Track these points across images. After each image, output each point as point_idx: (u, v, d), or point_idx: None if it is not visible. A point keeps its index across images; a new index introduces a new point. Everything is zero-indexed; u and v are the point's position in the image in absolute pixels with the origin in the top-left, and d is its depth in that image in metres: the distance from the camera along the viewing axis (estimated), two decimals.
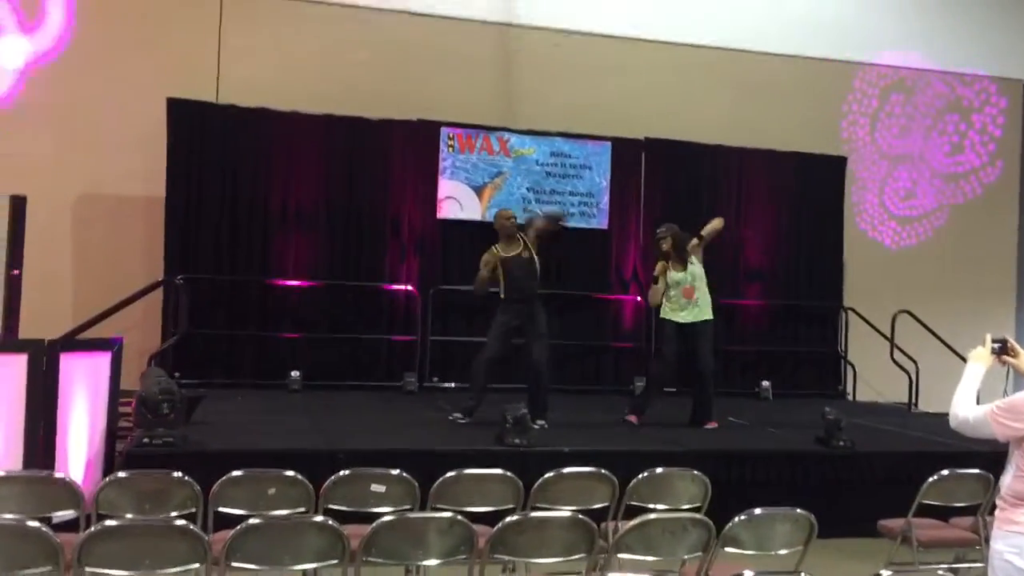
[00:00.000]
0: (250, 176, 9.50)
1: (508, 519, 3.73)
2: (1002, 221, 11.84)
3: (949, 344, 10.15)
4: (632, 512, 4.71)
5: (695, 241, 7.57)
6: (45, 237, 8.34)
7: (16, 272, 6.58)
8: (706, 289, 7.57)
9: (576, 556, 3.82)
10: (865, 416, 8.53)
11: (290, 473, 4.37)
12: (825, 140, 11.03)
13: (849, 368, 10.81)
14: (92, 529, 3.32)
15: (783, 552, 4.02)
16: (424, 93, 9.91)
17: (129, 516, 4.07)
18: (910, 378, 10.22)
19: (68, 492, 4.12)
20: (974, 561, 5.18)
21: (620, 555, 3.80)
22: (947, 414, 10.14)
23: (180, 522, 3.43)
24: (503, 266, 7.23)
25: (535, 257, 7.30)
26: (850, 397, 10.66)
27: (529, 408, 7.03)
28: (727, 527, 3.87)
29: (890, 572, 3.94)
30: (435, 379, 9.66)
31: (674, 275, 7.51)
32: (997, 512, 3.31)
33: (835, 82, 11.23)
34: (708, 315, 7.56)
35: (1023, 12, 11.76)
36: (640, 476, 4.72)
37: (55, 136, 9.25)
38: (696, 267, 7.53)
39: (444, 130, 9.88)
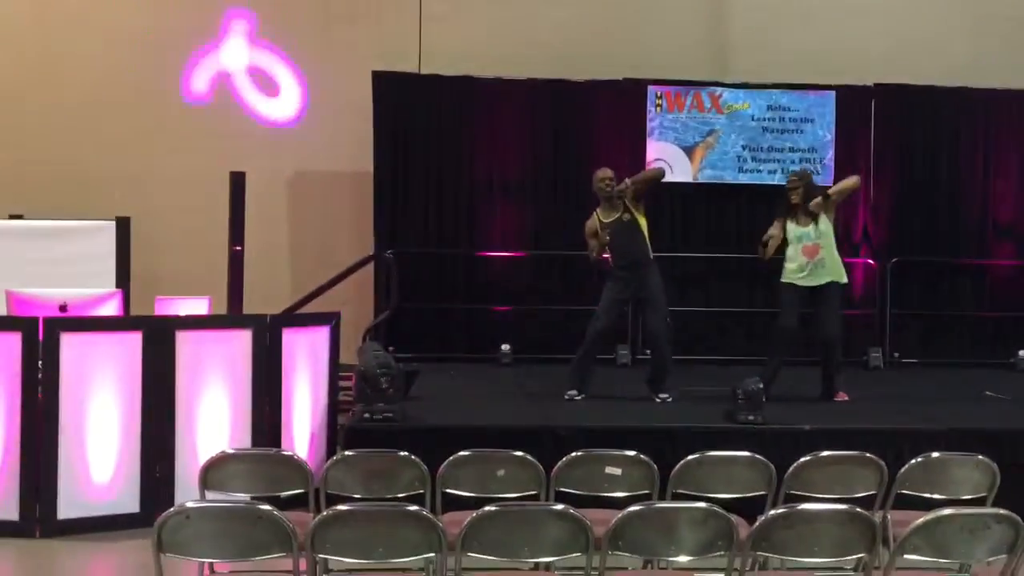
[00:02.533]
0: (454, 147, 9.39)
1: (772, 511, 3.26)
2: None
3: None
4: (902, 502, 4.14)
5: (819, 199, 6.64)
6: (263, 214, 8.52)
7: (238, 248, 6.68)
8: (835, 249, 6.66)
9: (851, 556, 3.31)
10: None
11: (519, 454, 4.08)
12: None
13: None
14: (324, 514, 3.14)
15: None
16: (629, 50, 9.43)
17: (357, 497, 3.93)
18: None
19: (296, 470, 4.01)
20: None
21: (906, 556, 3.25)
22: None
23: (413, 507, 3.20)
24: (605, 233, 6.63)
25: (638, 219, 6.63)
26: None
27: (649, 381, 6.69)
28: None
29: None
30: (648, 351, 9.20)
31: (797, 229, 6.62)
32: None
33: None
34: (836, 277, 6.66)
35: None
36: (913, 461, 4.10)
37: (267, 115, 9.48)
38: (825, 224, 6.62)
39: (651, 88, 9.35)
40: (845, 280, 6.86)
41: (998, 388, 7.58)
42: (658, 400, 6.63)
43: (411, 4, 9.50)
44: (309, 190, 9.58)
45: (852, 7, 9.59)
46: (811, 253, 6.65)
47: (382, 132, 9.19)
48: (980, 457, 4.15)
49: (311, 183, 9.58)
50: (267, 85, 9.59)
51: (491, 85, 9.28)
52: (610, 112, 9.45)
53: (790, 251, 6.74)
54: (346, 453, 4.16)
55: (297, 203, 9.61)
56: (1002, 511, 3.27)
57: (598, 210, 6.83)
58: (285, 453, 4.31)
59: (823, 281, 6.67)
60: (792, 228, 6.71)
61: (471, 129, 9.40)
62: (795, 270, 6.71)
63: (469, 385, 7.60)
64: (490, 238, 9.38)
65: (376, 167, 9.21)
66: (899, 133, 9.52)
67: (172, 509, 3.06)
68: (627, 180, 6.73)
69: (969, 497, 4.14)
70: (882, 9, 9.62)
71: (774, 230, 6.80)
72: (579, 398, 6.68)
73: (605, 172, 6.84)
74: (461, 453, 4.02)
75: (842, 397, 6.80)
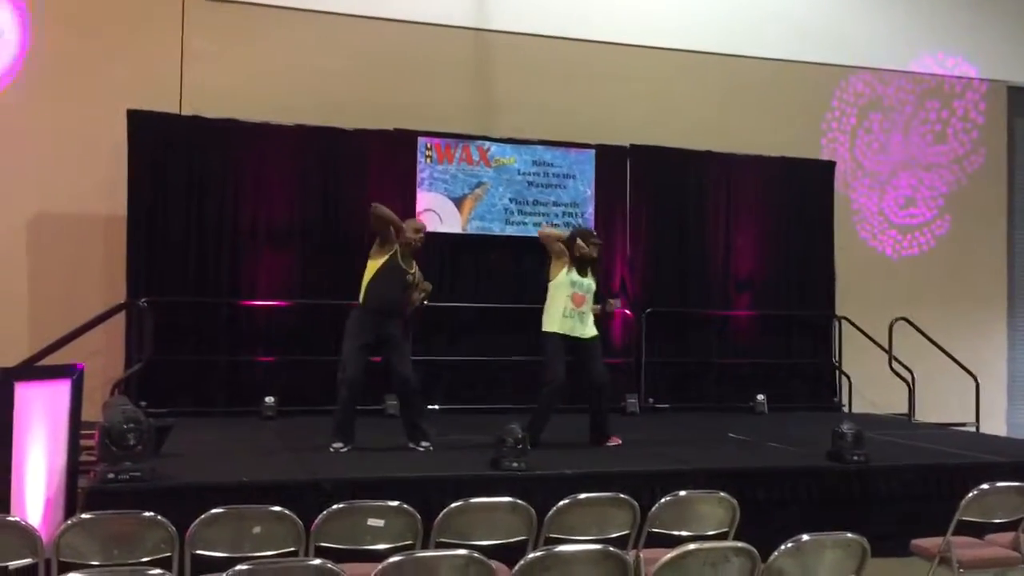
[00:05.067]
0: (218, 191, 9.03)
1: (531, 555, 3.29)
2: (990, 221, 11.59)
3: (948, 351, 9.92)
4: (654, 539, 4.33)
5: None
6: None
7: None
8: (594, 306, 7.06)
9: None
10: (868, 428, 8.18)
11: (276, 509, 3.91)
12: (814, 144, 10.77)
13: (844, 379, 10.48)
14: None
15: None
16: (400, 102, 9.52)
17: (95, 564, 3.61)
18: (909, 388, 9.93)
19: (24, 537, 3.65)
20: None
21: None
22: (950, 424, 9.74)
23: (155, 571, 2.98)
24: (387, 264, 6.56)
25: (413, 285, 6.72)
26: (846, 409, 10.34)
27: (407, 431, 6.64)
28: (772, 557, 3.47)
29: None
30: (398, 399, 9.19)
31: (576, 277, 6.94)
32: None
33: (823, 84, 10.98)
34: (595, 331, 7.06)
35: (1006, 15, 11.60)
36: (662, 501, 4.31)
37: (8, 152, 8.71)
38: (592, 281, 7.07)
39: (421, 140, 9.47)
40: (598, 332, 7.13)
41: (740, 430, 8.16)
42: (420, 449, 6.57)
43: (172, 41, 9.15)
44: (53, 234, 8.84)
45: (609, 72, 10.19)
46: (579, 303, 6.92)
47: (137, 174, 8.68)
48: (722, 494, 4.42)
49: (56, 226, 8.86)
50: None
51: (257, 129, 9.04)
52: (380, 161, 9.45)
53: (558, 296, 6.91)
54: (83, 516, 3.81)
55: (39, 247, 8.85)
56: (740, 544, 3.48)
57: (399, 255, 6.62)
58: (10, 519, 3.89)
59: (587, 334, 6.96)
60: (572, 274, 6.93)
61: (236, 173, 9.08)
62: (559, 317, 6.89)
63: (229, 440, 7.22)
64: (254, 286, 9.04)
65: (130, 210, 8.67)
66: (652, 191, 10.16)
67: None
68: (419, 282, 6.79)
69: (713, 532, 4.40)
70: (637, 76, 10.28)
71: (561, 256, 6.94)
72: (344, 450, 6.52)
73: (422, 224, 6.89)
74: (213, 511, 3.80)
75: (615, 441, 7.04)
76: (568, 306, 6.89)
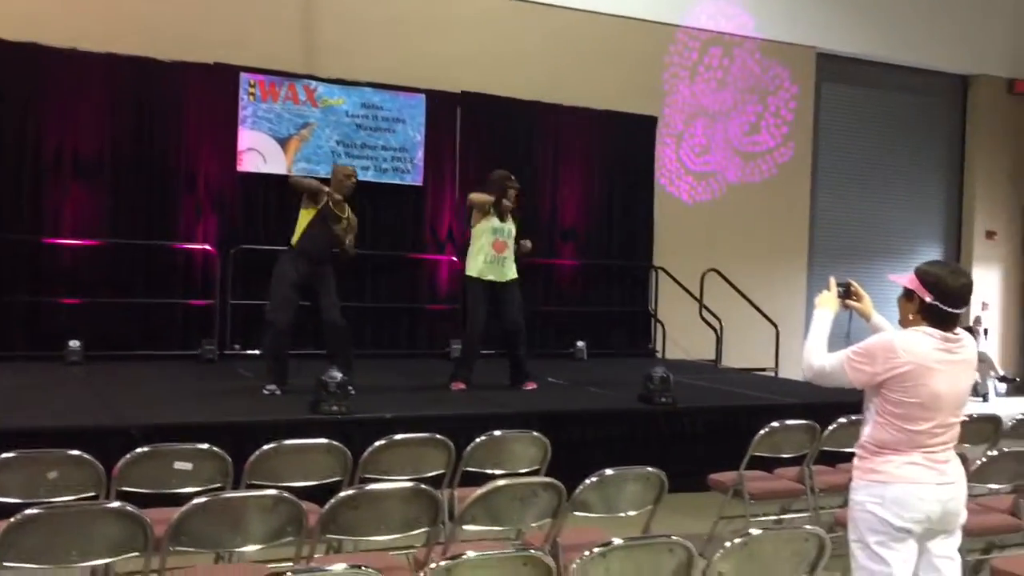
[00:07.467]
0: (19, 119, 8.41)
1: (341, 494, 3.31)
2: (796, 191, 12.31)
3: (753, 302, 10.52)
4: (469, 479, 4.43)
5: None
6: None
7: None
8: (514, 249, 7.29)
9: (417, 531, 3.46)
10: (678, 373, 8.61)
11: (75, 453, 3.74)
12: (639, 99, 11.03)
13: (659, 327, 10.97)
14: None
15: (632, 513, 3.83)
16: (222, 35, 9.09)
17: None
18: (717, 335, 10.51)
19: None
20: (800, 511, 5.25)
21: (465, 526, 3.47)
22: (752, 369, 10.31)
23: None
24: (319, 213, 6.57)
25: (346, 229, 6.76)
26: (660, 355, 10.84)
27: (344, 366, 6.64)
28: (577, 491, 3.63)
29: None
30: (236, 346, 8.97)
31: (496, 223, 7.13)
32: (856, 461, 3.20)
33: (650, 41, 11.19)
34: (515, 274, 7.29)
35: None
36: (477, 440, 4.41)
37: None
38: (512, 225, 7.27)
39: (244, 76, 9.11)
40: (518, 276, 7.28)
41: (560, 375, 8.40)
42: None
43: None
44: None
45: (443, 17, 10.04)
46: (500, 248, 7.09)
47: None
48: (535, 434, 4.56)
49: None
50: None
51: (64, 55, 8.44)
52: (200, 96, 9.03)
53: (481, 243, 7.07)
54: None
55: None
56: (547, 479, 3.62)
57: (331, 195, 6.59)
58: None
59: (509, 277, 7.15)
60: (492, 221, 7.07)
61: (39, 101, 8.46)
62: (483, 262, 7.05)
63: (29, 385, 6.81)
64: (58, 223, 8.51)
65: None
66: (482, 138, 10.17)
67: None
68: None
69: (525, 470, 4.54)
70: (469, 22, 10.19)
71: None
72: (279, 392, 6.46)
73: (350, 169, 6.83)
74: (3, 455, 3.59)
75: (531, 386, 7.20)
76: (490, 253, 7.06)
